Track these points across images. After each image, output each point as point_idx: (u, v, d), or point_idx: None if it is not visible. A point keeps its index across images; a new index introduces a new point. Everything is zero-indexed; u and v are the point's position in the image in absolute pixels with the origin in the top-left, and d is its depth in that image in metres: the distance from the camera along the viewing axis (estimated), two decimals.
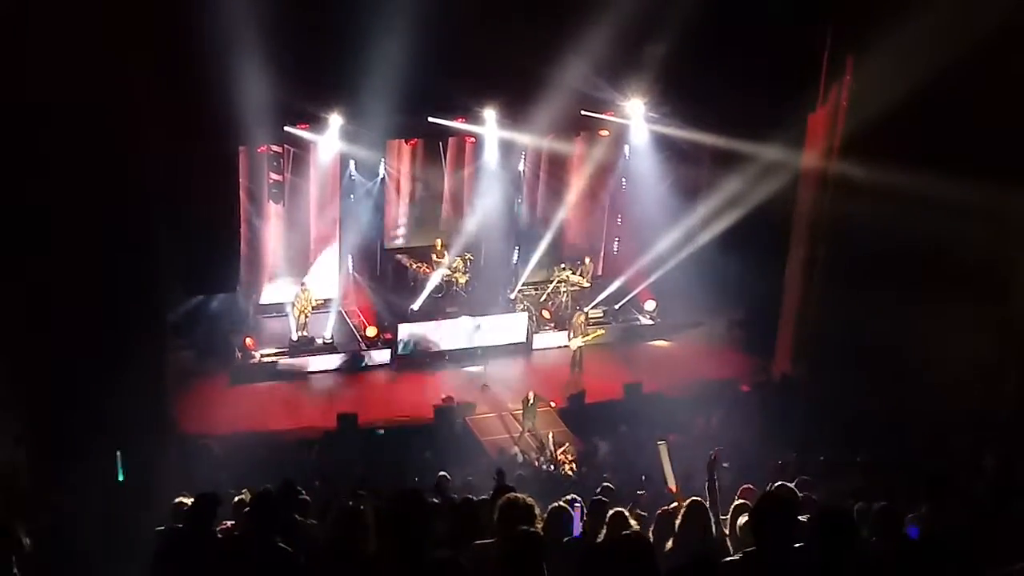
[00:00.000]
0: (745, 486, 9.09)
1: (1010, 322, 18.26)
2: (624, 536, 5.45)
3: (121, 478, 14.07)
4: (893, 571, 5.72)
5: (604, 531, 7.26)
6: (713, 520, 7.55)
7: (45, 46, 14.68)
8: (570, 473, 17.24)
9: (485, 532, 7.13)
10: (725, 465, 14.28)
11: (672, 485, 8.81)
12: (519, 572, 5.31)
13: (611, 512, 7.58)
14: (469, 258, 23.51)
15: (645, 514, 8.83)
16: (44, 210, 15.34)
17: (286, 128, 20.05)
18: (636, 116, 22.42)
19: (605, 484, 10.06)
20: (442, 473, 13.23)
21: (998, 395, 18.34)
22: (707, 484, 8.44)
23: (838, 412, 18.16)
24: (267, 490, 7.79)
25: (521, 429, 19.43)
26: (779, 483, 7.37)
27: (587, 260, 24.66)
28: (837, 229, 19.73)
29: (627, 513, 7.68)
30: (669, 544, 7.11)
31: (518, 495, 7.01)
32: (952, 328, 18.39)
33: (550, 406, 20.14)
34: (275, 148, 20.93)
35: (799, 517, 5.58)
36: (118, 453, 15.06)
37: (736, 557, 5.67)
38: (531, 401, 19.42)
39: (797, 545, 5.41)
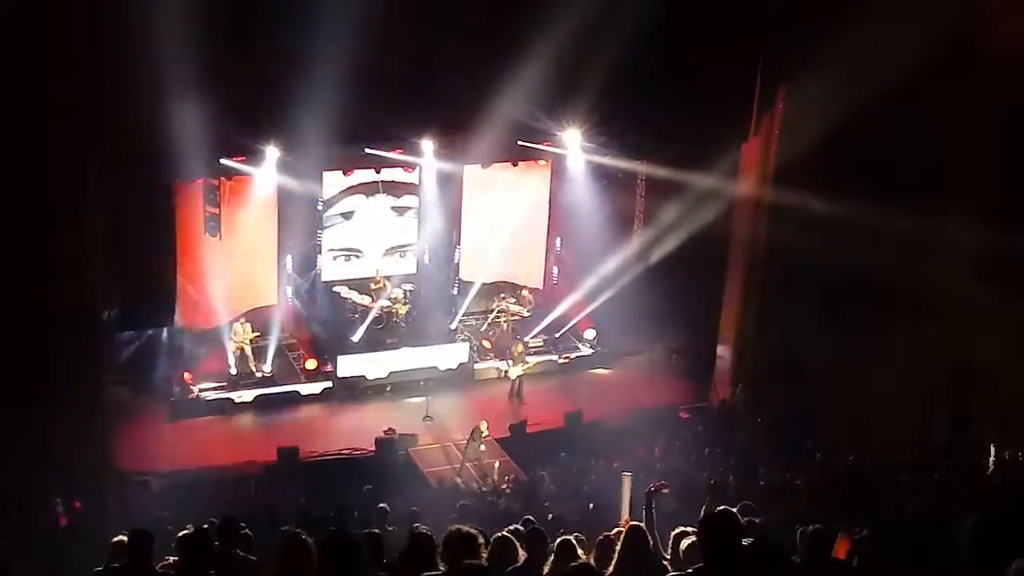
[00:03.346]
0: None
1: (944, 347, 18.56)
2: (574, 568, 5.46)
3: (63, 524, 13.86)
4: None
5: (551, 560, 7.28)
6: (652, 545, 7.60)
7: None
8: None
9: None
10: (665, 492, 14.38)
11: (626, 517, 8.86)
12: None
13: (559, 540, 7.60)
14: (409, 289, 23.52)
15: (583, 537, 8.85)
16: None
17: (222, 160, 19.94)
18: (573, 146, 22.58)
19: (552, 515, 10.07)
20: (381, 505, 13.17)
21: (933, 418, 18.64)
22: (644, 511, 8.51)
23: (777, 437, 18.34)
24: (198, 527, 7.74)
25: (463, 459, 19.39)
26: (723, 507, 7.43)
27: (526, 290, 24.74)
28: (773, 255, 19.98)
29: (574, 541, 7.70)
30: (610, 569, 7.14)
31: (461, 527, 7.01)
32: (888, 352, 18.69)
33: (485, 435, 20.00)
34: (211, 180, 20.78)
35: (743, 540, 5.66)
36: (57, 499, 14.88)
37: (683, 573, 5.73)
38: (482, 431, 19.33)
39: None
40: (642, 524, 7.87)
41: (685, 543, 7.58)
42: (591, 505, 14.03)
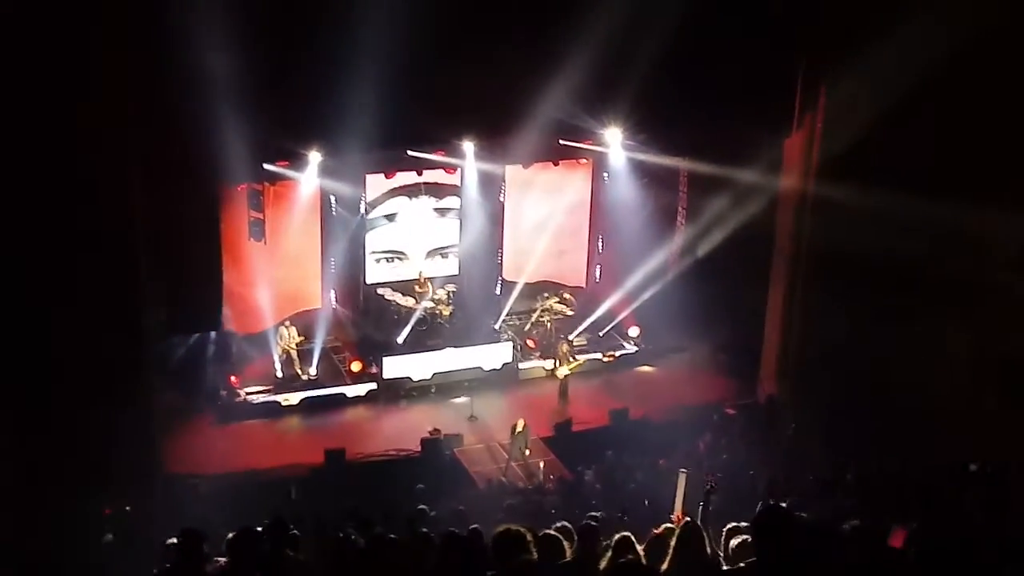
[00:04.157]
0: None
1: (993, 339, 18.40)
2: (623, 564, 5.46)
3: (111, 537, 13.97)
4: None
5: (608, 556, 7.27)
6: (708, 542, 7.57)
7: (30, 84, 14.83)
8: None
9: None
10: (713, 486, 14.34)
11: (679, 513, 8.85)
12: None
13: (617, 537, 7.56)
14: (452, 290, 23.57)
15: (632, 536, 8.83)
16: (27, 250, 15.40)
17: (265, 165, 20.07)
18: (614, 144, 22.51)
19: (593, 514, 10.01)
20: (421, 507, 13.19)
21: (978, 410, 18.46)
22: (701, 508, 8.48)
23: (824, 432, 18.23)
24: (247, 527, 7.80)
25: (508, 458, 19.41)
26: (773, 504, 7.42)
27: (568, 292, 24.75)
28: (817, 251, 19.86)
29: (633, 539, 7.67)
30: (664, 566, 7.12)
31: (510, 526, 7.05)
32: (933, 346, 18.55)
33: (520, 431, 19.92)
34: (255, 186, 20.91)
35: (796, 534, 5.65)
36: (107, 513, 15.04)
37: (737, 567, 5.72)
38: (519, 429, 19.39)
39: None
40: (697, 521, 7.85)
41: (735, 541, 7.54)
42: (647, 502, 13.99)
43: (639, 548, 7.73)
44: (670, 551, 7.25)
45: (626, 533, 7.69)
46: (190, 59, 15.73)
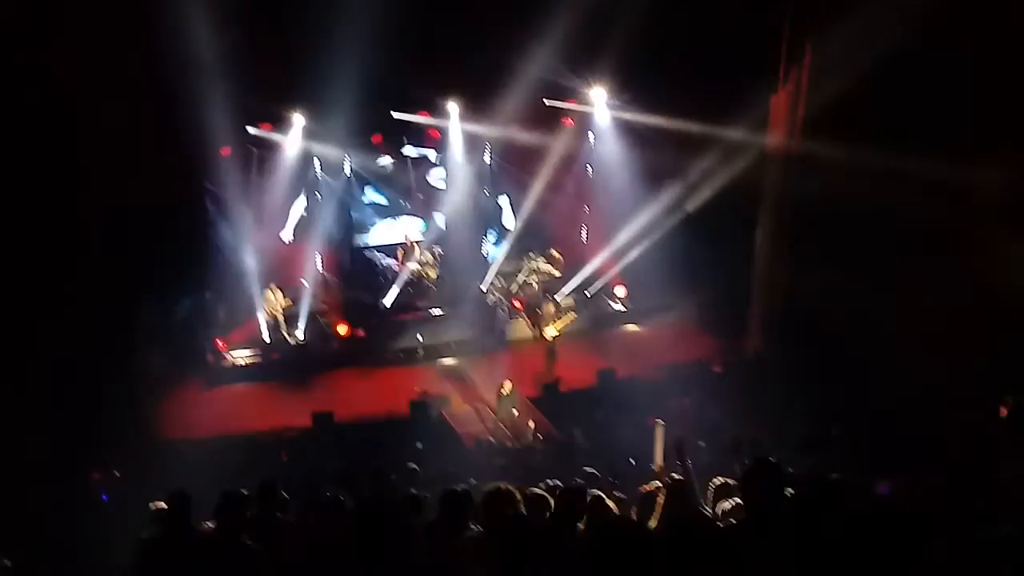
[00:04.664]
0: None
1: (976, 293, 18.43)
2: (611, 521, 5.48)
3: (105, 498, 13.99)
4: (875, 536, 5.79)
5: (586, 516, 7.29)
6: (696, 500, 7.60)
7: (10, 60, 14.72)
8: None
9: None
10: (701, 444, 14.40)
11: (659, 462, 8.88)
12: (511, 557, 5.35)
13: (591, 496, 7.60)
14: (439, 252, 23.53)
15: (624, 496, 8.85)
16: (10, 217, 15.31)
17: (249, 128, 19.96)
18: (599, 104, 22.42)
19: (588, 470, 10.04)
20: (411, 466, 13.21)
21: (966, 367, 18.53)
22: (680, 465, 8.50)
23: (811, 388, 18.28)
24: (235, 490, 7.80)
25: (495, 418, 19.45)
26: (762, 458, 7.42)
27: (556, 250, 24.71)
28: (803, 207, 19.84)
29: (605, 497, 7.70)
30: (653, 523, 7.15)
31: (500, 484, 7.07)
32: (920, 300, 18.58)
33: (507, 394, 20.01)
34: (240, 149, 20.79)
35: (786, 487, 5.66)
36: (96, 475, 15.05)
37: (728, 523, 5.74)
38: (507, 392, 19.41)
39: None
40: (683, 479, 7.87)
41: (726, 505, 7.54)
42: (633, 461, 14.01)
43: (621, 505, 7.77)
44: (658, 507, 7.28)
45: (598, 492, 7.71)
46: (177, 20, 15.61)
